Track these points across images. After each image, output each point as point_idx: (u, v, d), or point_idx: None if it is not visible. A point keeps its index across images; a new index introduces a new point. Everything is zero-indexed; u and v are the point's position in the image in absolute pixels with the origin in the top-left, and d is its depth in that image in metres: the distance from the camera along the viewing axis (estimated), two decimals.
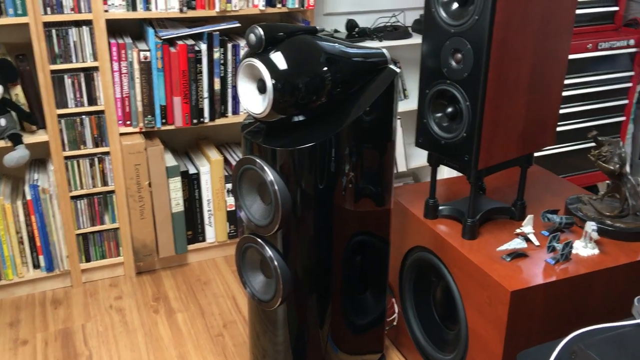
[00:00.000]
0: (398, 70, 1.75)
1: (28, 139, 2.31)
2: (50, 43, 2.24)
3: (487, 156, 1.69)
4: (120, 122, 2.42)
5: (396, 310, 2.11)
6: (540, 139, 1.83)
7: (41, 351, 2.20)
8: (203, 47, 2.42)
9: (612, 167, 1.76)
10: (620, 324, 1.24)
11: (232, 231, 2.75)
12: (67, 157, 2.40)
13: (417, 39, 2.78)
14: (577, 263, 1.66)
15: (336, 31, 2.84)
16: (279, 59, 1.56)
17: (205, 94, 2.49)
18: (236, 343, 2.26)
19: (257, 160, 1.64)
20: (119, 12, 2.29)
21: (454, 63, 1.65)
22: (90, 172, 2.45)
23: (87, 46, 2.30)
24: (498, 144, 1.70)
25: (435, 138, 1.76)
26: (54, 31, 2.24)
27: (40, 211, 2.39)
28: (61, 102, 2.33)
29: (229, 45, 2.48)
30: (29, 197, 2.36)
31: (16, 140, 2.26)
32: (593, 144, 1.83)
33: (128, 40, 2.36)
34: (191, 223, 2.67)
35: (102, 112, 2.39)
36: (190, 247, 2.70)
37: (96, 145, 2.43)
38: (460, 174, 1.93)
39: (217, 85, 2.50)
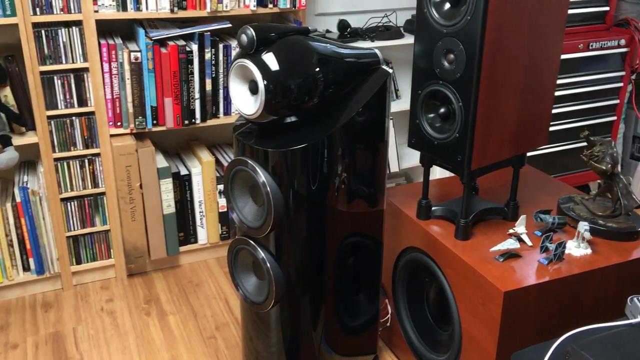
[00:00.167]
0: (390, 70, 1.75)
1: (17, 140, 2.29)
2: (40, 44, 2.23)
3: (480, 157, 1.69)
4: (110, 123, 2.40)
5: (389, 311, 2.10)
6: (533, 139, 1.83)
7: (32, 355, 2.18)
8: (194, 47, 2.40)
9: (604, 167, 1.76)
10: (613, 324, 1.24)
11: (224, 232, 2.74)
12: (57, 159, 2.38)
13: (409, 39, 2.78)
14: (570, 263, 1.67)
15: (328, 31, 2.83)
16: (271, 60, 1.55)
17: (197, 95, 2.47)
18: (229, 345, 2.25)
19: (249, 162, 1.63)
20: (109, 12, 2.27)
21: (446, 63, 1.65)
22: (80, 173, 2.43)
23: (77, 47, 2.28)
24: (491, 144, 1.70)
25: (428, 139, 1.76)
26: (43, 32, 2.22)
27: (30, 213, 2.37)
28: (51, 104, 2.31)
29: (221, 46, 2.47)
30: (18, 200, 2.34)
31: (5, 142, 2.24)
32: (585, 144, 1.83)
33: (118, 40, 2.35)
34: (183, 225, 2.66)
35: (92, 113, 2.38)
36: (182, 248, 2.69)
37: (86, 146, 2.41)
38: (452, 175, 1.93)
39: (208, 86, 2.49)
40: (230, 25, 2.46)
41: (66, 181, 2.42)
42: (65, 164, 2.40)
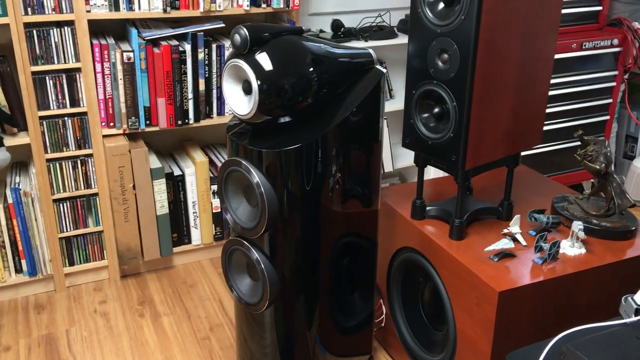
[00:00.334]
0: (384, 70, 1.74)
1: (9, 141, 2.28)
2: (32, 44, 2.21)
3: (475, 156, 1.68)
4: (103, 123, 2.39)
5: (384, 312, 2.10)
6: (527, 138, 1.83)
7: (24, 357, 2.16)
8: (187, 47, 2.39)
9: (598, 167, 1.76)
10: (608, 323, 1.24)
11: (218, 233, 2.73)
12: (49, 160, 2.36)
13: (402, 39, 2.78)
14: (564, 263, 1.67)
15: (322, 31, 2.83)
16: (264, 60, 1.55)
17: (190, 95, 2.46)
18: (223, 346, 2.24)
19: (243, 162, 1.63)
20: (102, 12, 2.26)
21: (440, 63, 1.65)
22: (73, 174, 2.42)
23: (69, 47, 2.27)
24: (485, 144, 1.70)
25: (422, 138, 1.75)
26: (35, 32, 2.20)
27: (22, 215, 2.36)
28: (43, 104, 2.30)
29: (214, 46, 2.46)
30: (10, 201, 2.32)
31: None
32: (578, 143, 1.83)
33: (111, 41, 2.33)
34: (176, 225, 2.65)
35: (84, 113, 2.36)
36: (176, 249, 2.68)
37: (79, 147, 2.39)
38: (446, 174, 1.93)
39: (201, 86, 2.48)
40: (223, 25, 2.45)
41: (58, 182, 2.41)
42: (57, 164, 2.38)
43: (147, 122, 2.44)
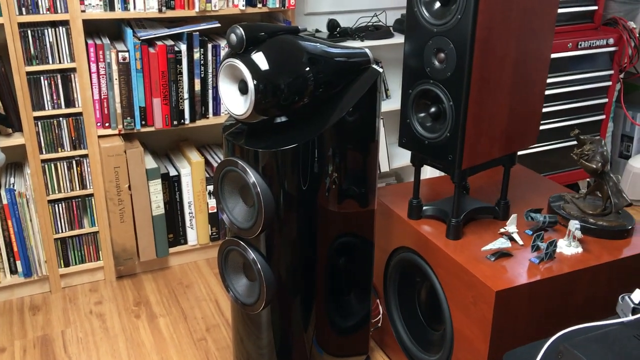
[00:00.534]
0: (380, 70, 1.74)
1: (4, 142, 2.27)
2: (26, 44, 2.20)
3: (471, 156, 1.68)
4: (98, 124, 2.38)
5: (381, 312, 2.10)
6: (524, 138, 1.83)
7: (19, 359, 2.15)
8: (183, 47, 2.39)
9: (594, 166, 1.76)
10: (605, 322, 1.24)
11: (214, 233, 2.73)
12: (44, 160, 2.35)
13: (398, 39, 2.78)
14: (561, 262, 1.67)
15: (317, 31, 2.83)
16: (260, 60, 1.54)
17: (186, 95, 2.46)
18: (219, 347, 2.23)
19: (239, 162, 1.62)
20: (97, 12, 2.25)
21: (437, 63, 1.65)
22: (68, 175, 2.41)
23: (64, 47, 2.26)
24: (482, 143, 1.70)
25: (419, 138, 1.75)
26: (29, 32, 2.19)
27: (17, 216, 2.34)
28: (38, 104, 2.29)
29: (209, 46, 2.45)
30: (5, 202, 2.31)
31: None
32: (575, 143, 1.83)
33: (106, 40, 2.32)
34: (172, 226, 2.64)
35: (80, 114, 2.35)
36: (172, 250, 2.67)
37: (74, 147, 2.39)
38: (443, 174, 1.93)
39: (197, 86, 2.47)
40: (219, 24, 2.44)
41: (54, 183, 2.39)
42: (52, 165, 2.37)
43: (143, 122, 2.43)
